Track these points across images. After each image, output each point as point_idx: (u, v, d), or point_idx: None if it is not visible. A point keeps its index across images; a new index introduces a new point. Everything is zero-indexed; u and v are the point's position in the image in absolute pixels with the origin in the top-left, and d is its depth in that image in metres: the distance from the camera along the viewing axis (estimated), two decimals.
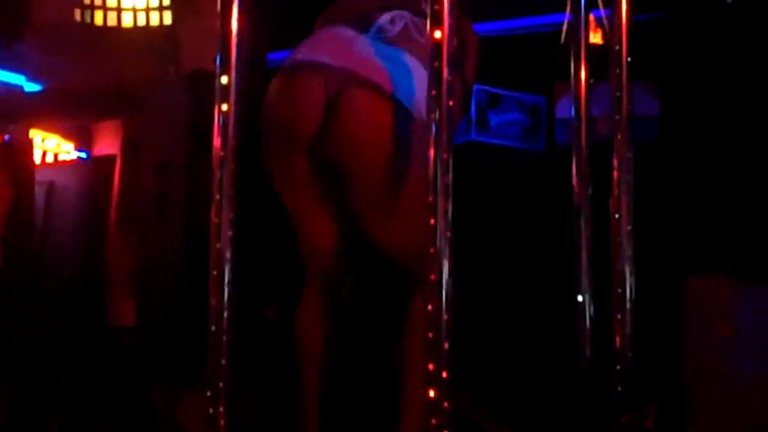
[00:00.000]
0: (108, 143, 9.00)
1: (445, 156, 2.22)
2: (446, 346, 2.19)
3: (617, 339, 2.64)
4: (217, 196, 2.44)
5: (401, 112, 2.98)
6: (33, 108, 8.36)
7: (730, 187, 5.93)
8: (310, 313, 3.28)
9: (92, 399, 4.68)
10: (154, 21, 7.19)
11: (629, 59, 2.69)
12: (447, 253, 2.20)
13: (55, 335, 5.17)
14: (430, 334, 2.19)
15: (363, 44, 3.10)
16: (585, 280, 3.00)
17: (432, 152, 2.24)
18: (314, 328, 3.24)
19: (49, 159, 9.21)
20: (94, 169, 9.05)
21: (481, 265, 5.97)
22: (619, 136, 2.66)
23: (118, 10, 7.15)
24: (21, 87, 8.13)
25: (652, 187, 4.83)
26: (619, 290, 2.63)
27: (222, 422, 2.39)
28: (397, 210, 2.96)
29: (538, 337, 6.11)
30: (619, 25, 2.72)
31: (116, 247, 8.34)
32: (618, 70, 2.69)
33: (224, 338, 2.42)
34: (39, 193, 8.46)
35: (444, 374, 2.18)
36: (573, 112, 3.11)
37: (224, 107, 2.48)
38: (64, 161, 9.26)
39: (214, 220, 2.44)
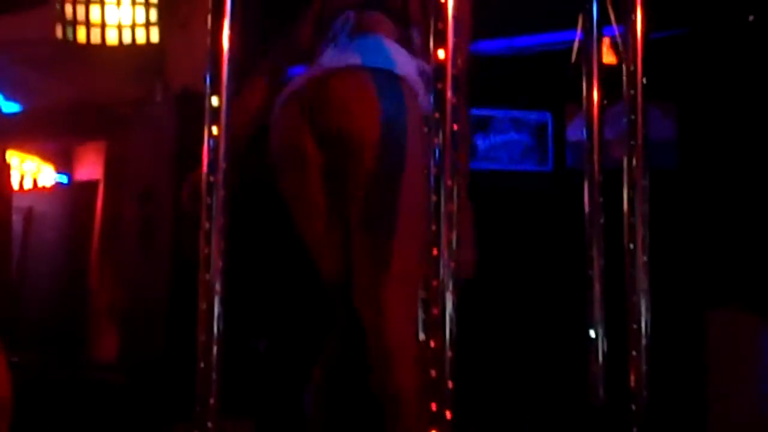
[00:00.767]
0: (90, 167, 9.00)
1: (449, 183, 2.22)
2: (450, 384, 2.18)
3: (632, 377, 2.63)
4: (207, 225, 2.44)
5: (382, 75, 3.10)
6: (11, 129, 8.37)
7: (751, 216, 5.93)
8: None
9: None
10: (141, 38, 7.20)
11: (644, 80, 2.69)
12: (450, 285, 2.19)
13: (31, 372, 5.16)
14: (433, 373, 2.18)
15: (328, 52, 3.26)
16: (598, 315, 3.00)
17: (434, 179, 2.24)
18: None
19: (28, 183, 9.21)
20: (76, 194, 9.05)
21: (487, 298, 5.97)
22: (633, 162, 2.66)
23: (102, 26, 7.16)
24: None
25: (668, 216, 4.83)
26: (635, 326, 2.62)
27: None
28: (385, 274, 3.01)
29: (547, 376, 6.10)
30: (633, 43, 2.72)
31: (98, 278, 8.33)
32: (633, 92, 2.68)
33: (214, 375, 2.41)
34: (17, 219, 8.46)
35: (448, 415, 2.18)
36: (585, 135, 3.12)
37: (214, 130, 2.48)
38: (44, 186, 9.26)
39: (204, 250, 2.43)
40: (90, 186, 8.80)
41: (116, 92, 7.76)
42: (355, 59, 3.15)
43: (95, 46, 7.14)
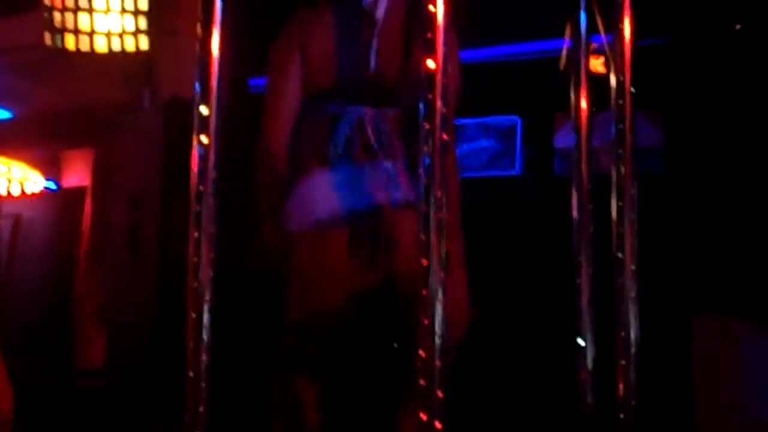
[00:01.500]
0: (78, 173, 8.99)
1: (438, 193, 2.21)
2: (440, 394, 2.17)
3: (620, 386, 2.62)
4: (195, 234, 2.43)
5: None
6: None
7: (738, 223, 5.94)
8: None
9: None
10: (130, 46, 7.19)
11: (633, 89, 2.68)
12: (440, 296, 2.19)
13: (18, 377, 5.13)
14: (423, 382, 2.18)
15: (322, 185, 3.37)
16: (586, 323, 2.99)
17: (425, 188, 2.24)
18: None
19: (16, 190, 9.18)
20: (63, 200, 9.04)
21: (476, 306, 5.96)
22: (622, 171, 2.65)
23: (91, 33, 7.15)
24: None
25: (655, 222, 4.84)
26: (623, 334, 2.62)
27: None
28: None
29: (536, 384, 6.10)
30: (621, 52, 2.71)
31: (86, 284, 8.32)
32: (621, 101, 2.68)
33: (202, 384, 2.40)
34: (4, 226, 8.45)
35: (438, 425, 2.17)
36: (573, 144, 3.11)
37: (203, 138, 2.47)
38: (32, 193, 9.23)
39: (192, 258, 2.42)
40: (78, 192, 8.79)
41: (105, 99, 7.75)
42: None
43: (84, 53, 7.13)
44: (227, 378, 3.32)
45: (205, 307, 2.41)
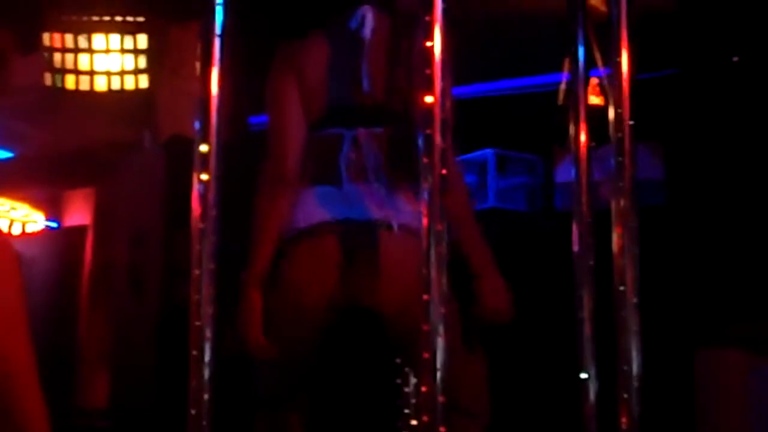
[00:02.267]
0: (79, 213, 9.00)
1: (439, 227, 2.22)
2: (443, 430, 2.17)
3: (624, 419, 2.62)
4: (197, 272, 2.44)
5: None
6: (0, 176, 8.36)
7: (740, 254, 5.93)
8: None
9: None
10: (130, 85, 7.21)
11: (632, 122, 2.69)
12: (441, 330, 2.19)
13: None
14: (426, 418, 2.17)
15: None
16: (588, 356, 2.99)
17: (426, 222, 2.24)
18: None
19: (17, 230, 9.19)
20: (65, 240, 9.04)
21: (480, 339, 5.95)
22: (622, 203, 2.66)
23: (91, 73, 7.17)
24: None
25: (657, 254, 4.83)
26: (625, 367, 2.61)
27: None
28: None
29: (539, 418, 6.07)
30: (620, 85, 2.72)
31: (88, 324, 8.31)
32: (620, 134, 2.69)
33: (204, 422, 2.40)
34: None
35: None
36: (573, 177, 3.11)
37: (204, 176, 2.48)
38: (33, 232, 9.24)
39: (194, 296, 2.43)
40: (79, 231, 8.80)
41: (105, 139, 7.77)
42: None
43: (84, 92, 7.15)
44: (228, 417, 3.31)
45: (207, 345, 2.41)
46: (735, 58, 6.25)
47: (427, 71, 2.29)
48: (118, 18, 7.24)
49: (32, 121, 7.91)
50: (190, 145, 2.53)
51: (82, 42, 7.16)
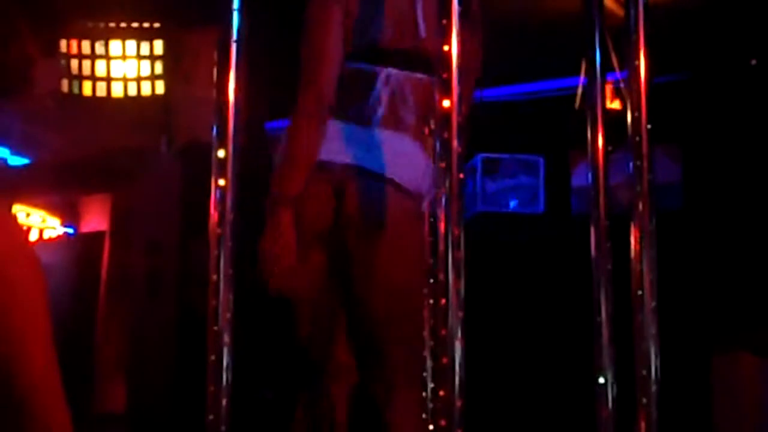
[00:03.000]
0: (96, 219, 9.01)
1: (456, 231, 2.21)
2: None
3: (642, 424, 2.61)
4: (214, 277, 2.44)
5: (397, 189, 3.26)
6: (17, 182, 8.38)
7: (759, 258, 5.91)
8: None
9: None
10: (146, 91, 7.24)
11: (649, 126, 2.68)
12: (459, 334, 2.19)
13: None
14: (443, 422, 2.17)
15: (356, 136, 3.31)
16: (606, 361, 2.98)
17: (443, 227, 2.24)
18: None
19: (34, 236, 9.21)
20: (82, 246, 9.05)
21: (495, 345, 5.95)
22: (640, 208, 2.65)
23: (108, 80, 7.20)
24: (5, 160, 8.16)
25: (674, 259, 4.82)
26: (644, 372, 2.60)
27: None
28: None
29: (557, 422, 6.07)
30: (637, 89, 2.71)
31: (105, 329, 8.32)
32: (638, 138, 2.68)
33: (222, 427, 2.40)
34: None
35: None
36: (590, 182, 3.10)
37: (221, 182, 2.48)
38: (50, 238, 9.26)
39: (212, 301, 2.43)
40: (96, 237, 8.81)
41: (122, 145, 7.78)
42: (381, 167, 3.33)
43: (100, 99, 7.18)
44: (246, 422, 3.31)
45: (225, 350, 2.41)
46: (753, 61, 6.24)
47: (444, 75, 2.29)
48: (135, 24, 7.27)
49: (49, 127, 7.93)
50: (207, 150, 2.54)
51: (99, 48, 7.20)
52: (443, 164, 2.26)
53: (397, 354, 3.21)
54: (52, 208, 9.32)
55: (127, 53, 7.21)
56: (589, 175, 3.08)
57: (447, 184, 2.25)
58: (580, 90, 3.19)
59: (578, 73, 3.25)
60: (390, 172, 3.26)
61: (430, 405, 3.23)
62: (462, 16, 2.33)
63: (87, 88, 7.21)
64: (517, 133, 6.94)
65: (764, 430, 5.29)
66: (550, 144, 6.94)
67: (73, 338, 8.45)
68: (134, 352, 7.72)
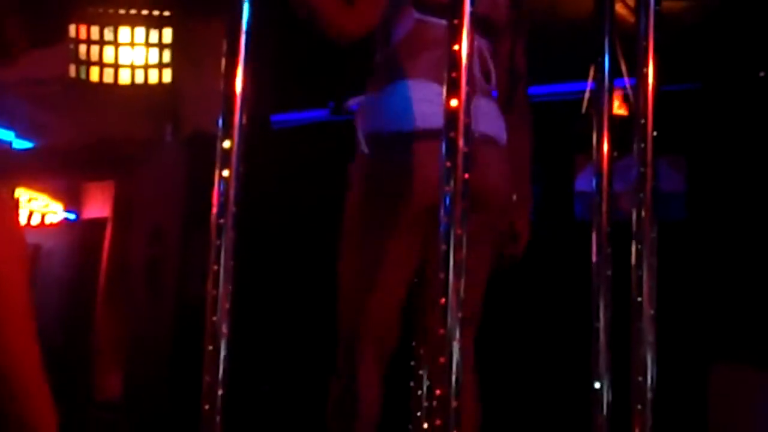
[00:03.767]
0: (99, 205, 9.01)
1: (458, 231, 2.22)
2: None
3: (636, 430, 2.62)
4: (215, 267, 2.44)
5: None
6: (21, 166, 8.38)
7: (760, 271, 5.91)
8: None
9: None
10: (153, 79, 7.24)
11: (655, 133, 2.68)
12: (457, 334, 2.19)
13: None
14: (438, 421, 2.18)
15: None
16: (603, 366, 2.99)
17: (444, 227, 2.24)
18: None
19: (36, 220, 9.22)
20: (83, 232, 9.05)
21: (492, 347, 5.94)
22: (642, 215, 2.65)
23: (116, 66, 7.20)
24: (9, 143, 8.17)
25: (675, 268, 4.83)
26: (640, 378, 2.61)
27: None
28: None
29: (552, 426, 6.07)
30: (644, 96, 2.71)
31: (104, 317, 8.32)
32: (642, 145, 2.68)
33: (218, 417, 2.40)
34: None
35: None
36: (594, 187, 3.11)
37: (225, 173, 2.48)
38: (52, 223, 9.26)
39: (211, 292, 2.43)
40: (98, 224, 8.81)
41: (127, 132, 7.78)
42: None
43: (107, 85, 7.18)
44: (241, 414, 3.31)
45: (223, 341, 2.42)
46: (761, 73, 6.23)
47: (453, 75, 2.29)
48: (145, 11, 7.27)
49: (55, 111, 7.93)
50: (213, 141, 2.54)
51: (108, 34, 7.20)
52: (449, 163, 2.27)
53: None
54: (55, 193, 9.32)
55: (136, 40, 7.20)
56: (593, 181, 3.09)
57: (452, 184, 2.26)
58: (587, 94, 3.19)
59: (586, 78, 3.26)
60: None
61: (426, 404, 3.23)
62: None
63: (94, 74, 7.21)
64: None
65: None
66: (555, 147, 6.94)
67: (72, 324, 8.46)
68: (133, 340, 7.73)
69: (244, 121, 2.53)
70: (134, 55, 7.20)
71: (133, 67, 7.21)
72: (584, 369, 3.02)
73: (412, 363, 3.38)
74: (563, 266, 5.73)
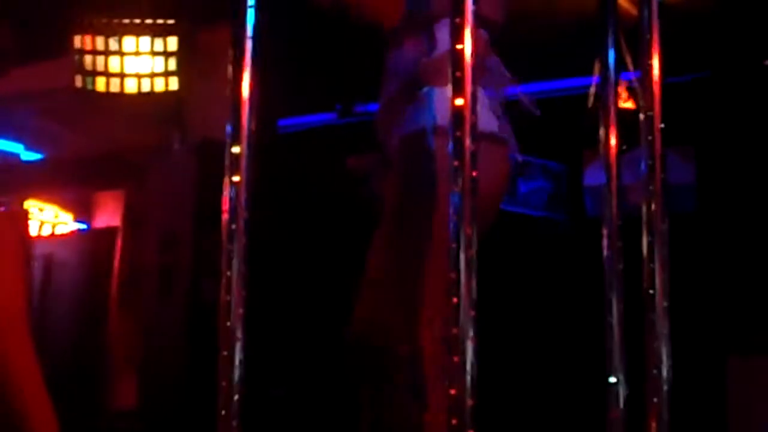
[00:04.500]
0: (109, 214, 9.04)
1: (468, 230, 2.22)
2: None
3: (653, 424, 2.61)
4: (228, 273, 2.45)
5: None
6: (31, 177, 8.41)
7: None
8: None
9: None
10: (159, 87, 7.26)
11: (663, 125, 2.68)
12: (471, 333, 2.19)
13: None
14: (454, 421, 2.18)
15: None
16: (617, 361, 2.98)
17: (453, 226, 2.24)
18: None
19: (47, 231, 9.24)
20: (94, 241, 9.08)
21: (506, 344, 5.95)
22: (652, 207, 2.65)
23: (122, 76, 7.22)
24: (18, 155, 8.19)
25: (688, 260, 4.82)
26: (655, 371, 2.60)
27: None
28: None
29: (567, 422, 6.07)
30: (650, 88, 2.71)
31: (117, 325, 8.34)
32: (650, 138, 2.68)
33: (234, 423, 2.41)
34: (36, 266, 8.48)
35: None
36: (603, 181, 3.10)
37: (235, 178, 2.49)
38: (62, 233, 9.28)
39: (225, 297, 2.44)
40: (109, 233, 8.84)
41: (135, 140, 7.80)
42: None
43: (114, 94, 7.20)
44: (257, 419, 3.31)
45: (237, 346, 2.42)
46: (766, 62, 6.23)
47: (458, 74, 2.29)
48: (149, 20, 7.28)
49: (63, 122, 7.96)
50: (222, 147, 2.55)
51: (113, 44, 7.21)
52: (457, 162, 2.27)
53: None
54: (65, 204, 9.35)
55: (141, 49, 7.22)
56: (602, 175, 3.08)
57: (460, 183, 2.26)
58: (593, 89, 3.18)
59: (591, 73, 3.25)
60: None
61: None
62: None
63: (101, 84, 7.23)
64: (529, 133, 6.93)
65: None
66: (563, 143, 6.94)
67: (86, 334, 8.48)
68: (146, 348, 7.74)
69: (253, 126, 2.54)
70: (140, 64, 7.22)
71: (139, 76, 7.22)
72: (599, 364, 3.02)
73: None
74: (576, 262, 5.74)
